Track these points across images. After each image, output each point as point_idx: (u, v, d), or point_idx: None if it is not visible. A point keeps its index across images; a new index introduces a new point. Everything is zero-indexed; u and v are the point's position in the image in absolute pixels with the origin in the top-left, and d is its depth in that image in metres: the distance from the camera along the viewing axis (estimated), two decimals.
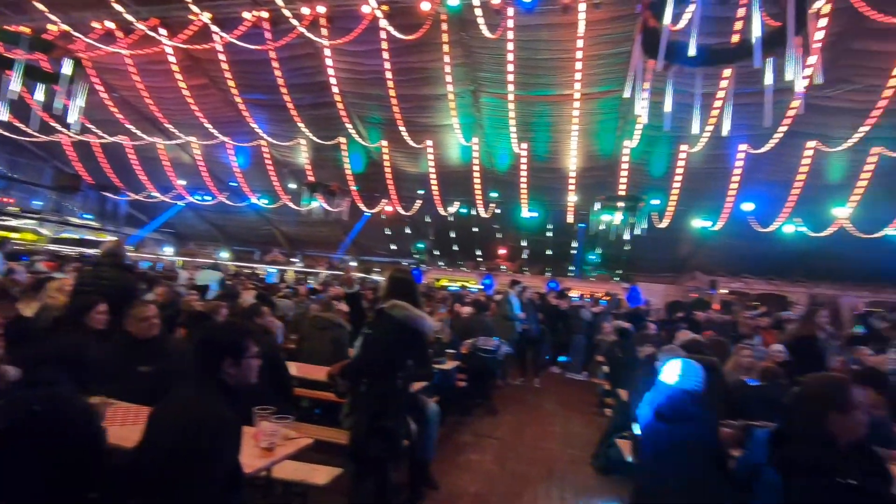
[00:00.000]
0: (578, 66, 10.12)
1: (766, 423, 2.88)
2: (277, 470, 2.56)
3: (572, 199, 14.56)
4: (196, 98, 13.60)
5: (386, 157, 14.75)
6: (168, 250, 22.29)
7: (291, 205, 16.84)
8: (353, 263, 22.05)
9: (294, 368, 4.15)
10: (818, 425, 2.11)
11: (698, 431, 2.85)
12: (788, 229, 13.73)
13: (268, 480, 2.58)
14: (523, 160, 13.50)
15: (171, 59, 12.10)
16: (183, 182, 17.86)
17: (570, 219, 15.49)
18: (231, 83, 12.63)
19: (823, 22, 7.55)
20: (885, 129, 10.14)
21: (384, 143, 14.14)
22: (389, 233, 19.23)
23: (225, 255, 21.81)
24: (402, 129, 12.84)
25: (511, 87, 11.00)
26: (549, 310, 10.20)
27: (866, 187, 11.68)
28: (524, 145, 12.98)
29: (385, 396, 3.07)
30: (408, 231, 19.01)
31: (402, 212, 16.90)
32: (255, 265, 21.54)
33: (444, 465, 4.42)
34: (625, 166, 12.92)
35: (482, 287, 18.06)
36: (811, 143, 11.02)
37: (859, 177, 11.53)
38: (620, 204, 12.92)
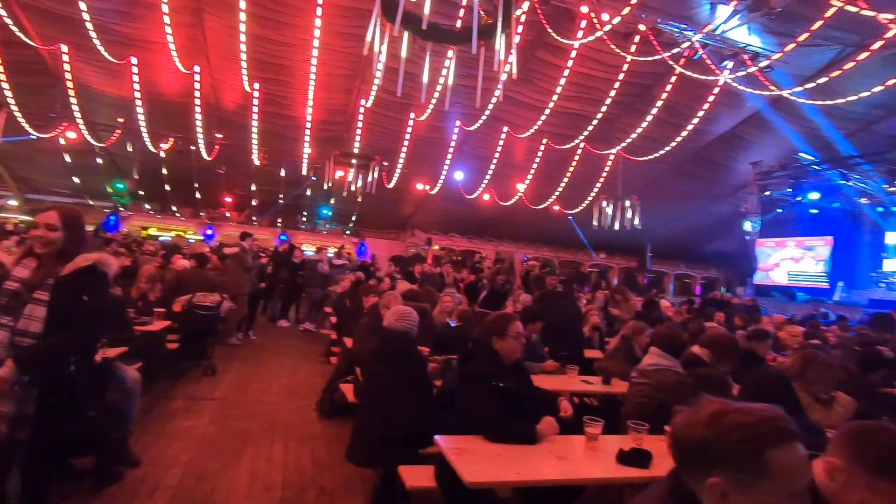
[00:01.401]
0: (319, 11, 9.74)
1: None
2: None
3: (307, 150, 14.25)
4: None
5: (67, 66, 11.39)
6: None
7: None
8: (13, 202, 16.71)
9: None
10: (489, 346, 2.76)
11: (412, 368, 3.27)
12: (485, 197, 16.67)
13: None
14: (255, 101, 12.42)
15: None
16: None
17: (304, 170, 15.16)
18: None
19: (520, 28, 9.19)
20: (552, 126, 13.19)
21: (64, 47, 10.86)
22: (74, 167, 15.18)
23: None
24: (92, 33, 10.07)
25: (243, 17, 9.83)
26: (282, 262, 9.91)
27: (537, 169, 15.07)
28: (257, 85, 11.91)
29: (99, 370, 2.51)
30: (102, 166, 15.35)
31: (93, 141, 13.52)
32: None
33: (148, 437, 3.90)
34: (360, 124, 13.29)
35: (204, 238, 16.23)
36: (505, 129, 13.48)
37: (534, 160, 14.76)
38: (354, 161, 13.31)
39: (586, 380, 4.19)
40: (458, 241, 19.01)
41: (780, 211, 16.61)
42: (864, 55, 8.90)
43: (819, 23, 8.03)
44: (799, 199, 15.08)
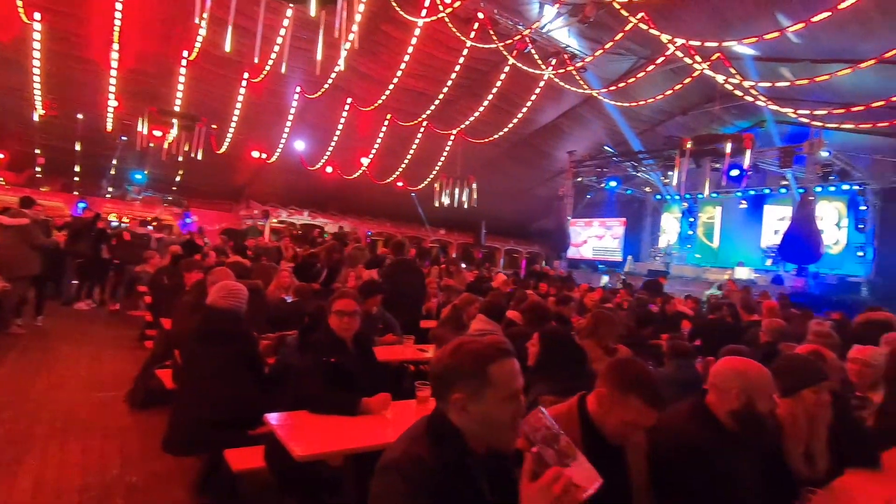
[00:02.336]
0: None
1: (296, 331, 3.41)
2: None
3: (113, 103, 12.08)
4: None
5: None
6: None
7: None
8: None
9: None
10: (327, 321, 2.80)
11: (239, 347, 3.08)
12: (328, 170, 16.15)
13: None
14: (36, 35, 10.06)
15: None
16: None
17: (109, 127, 12.85)
18: None
19: None
20: (397, 101, 13.25)
21: None
22: None
23: None
24: None
25: None
26: (81, 233, 8.38)
27: (381, 144, 15.04)
28: (37, 15, 9.65)
29: None
30: None
31: None
32: None
33: None
34: (181, 79, 11.70)
35: None
36: (349, 100, 13.14)
37: (378, 135, 14.70)
38: (175, 121, 11.71)
39: (422, 348, 4.42)
40: (299, 214, 18.14)
41: (589, 196, 19.28)
42: (650, 67, 10.67)
43: (620, 35, 9.37)
44: (603, 185, 17.65)
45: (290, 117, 13.57)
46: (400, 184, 17.03)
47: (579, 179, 17.39)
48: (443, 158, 15.74)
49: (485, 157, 15.89)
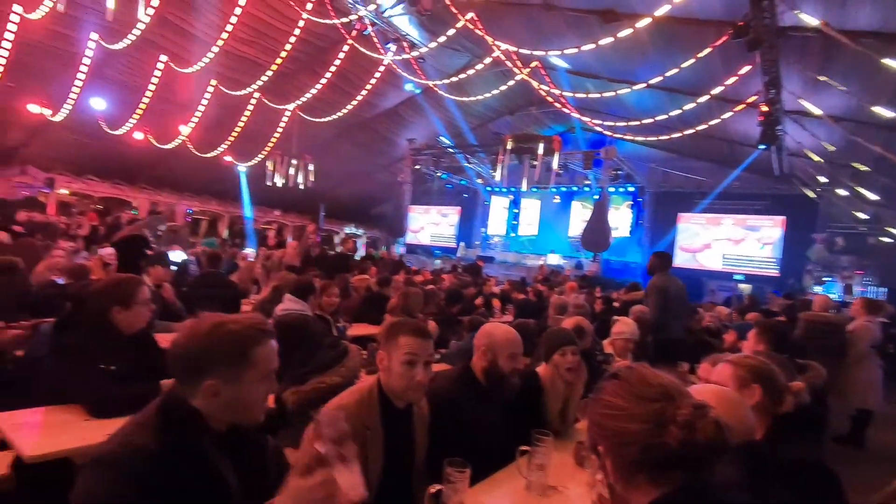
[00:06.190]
0: None
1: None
2: None
3: None
4: None
5: None
6: None
7: None
8: None
9: None
10: (102, 316, 2.32)
11: None
12: (138, 136, 14.02)
13: None
14: None
15: None
16: None
17: None
18: None
19: None
20: (224, 67, 12.02)
21: None
22: None
23: None
24: None
25: None
26: None
27: (206, 113, 13.53)
28: None
29: None
30: None
31: None
32: None
33: None
34: None
35: None
36: (164, 58, 11.53)
37: (201, 102, 13.18)
38: None
39: None
40: (97, 185, 15.44)
41: (428, 184, 20.00)
42: (479, 66, 11.40)
43: (452, 31, 9.81)
44: (440, 175, 18.46)
45: (83, 69, 11.39)
46: (228, 158, 15.59)
47: (418, 167, 17.91)
48: (277, 135, 14.79)
49: (323, 137, 15.39)
